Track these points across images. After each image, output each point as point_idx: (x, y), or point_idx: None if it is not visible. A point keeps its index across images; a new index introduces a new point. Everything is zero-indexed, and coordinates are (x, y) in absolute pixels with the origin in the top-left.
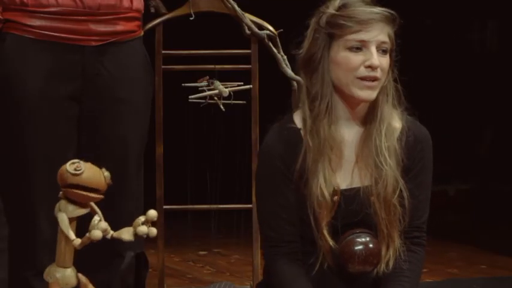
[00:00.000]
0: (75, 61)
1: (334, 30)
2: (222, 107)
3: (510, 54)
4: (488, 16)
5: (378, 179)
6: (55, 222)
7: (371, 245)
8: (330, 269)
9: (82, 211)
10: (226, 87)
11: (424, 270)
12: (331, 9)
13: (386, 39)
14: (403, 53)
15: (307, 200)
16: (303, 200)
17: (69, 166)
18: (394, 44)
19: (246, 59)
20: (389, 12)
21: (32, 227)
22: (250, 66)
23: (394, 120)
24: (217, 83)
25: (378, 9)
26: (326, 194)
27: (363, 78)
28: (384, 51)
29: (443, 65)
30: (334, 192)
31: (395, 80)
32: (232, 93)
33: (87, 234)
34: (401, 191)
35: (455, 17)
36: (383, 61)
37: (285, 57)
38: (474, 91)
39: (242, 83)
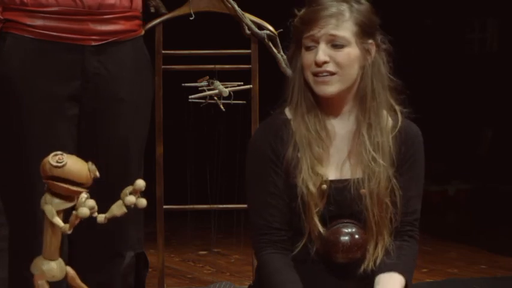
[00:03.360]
0: (75, 61)
1: (296, 33)
2: (222, 107)
3: (510, 54)
4: (488, 16)
5: (371, 175)
6: None
7: (356, 236)
8: (316, 259)
9: (68, 204)
10: (226, 87)
11: (424, 270)
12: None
13: (336, 32)
14: (404, 53)
15: (295, 188)
16: (292, 189)
17: (52, 158)
18: (361, 37)
19: (246, 59)
20: (344, 6)
21: (32, 227)
22: (250, 66)
23: (389, 119)
24: (217, 83)
25: (327, 5)
26: (311, 184)
27: (315, 74)
28: (337, 46)
29: (443, 65)
30: (322, 182)
31: (392, 81)
32: (232, 93)
33: (74, 212)
34: (393, 189)
35: (455, 17)
36: (336, 55)
37: (285, 57)
38: (474, 91)
39: (242, 83)
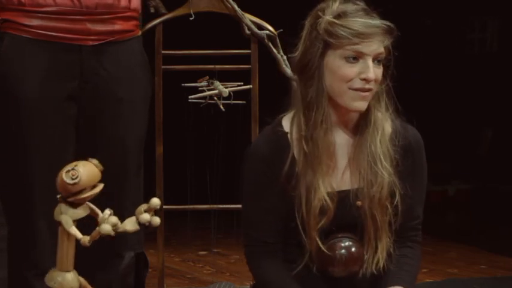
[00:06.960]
0: (73, 61)
1: (332, 39)
2: (222, 107)
3: (510, 54)
4: (489, 16)
5: (373, 182)
6: (54, 223)
7: (352, 249)
8: (318, 274)
9: (82, 213)
10: (226, 87)
11: (424, 270)
12: (329, 15)
13: (383, 50)
14: (404, 53)
15: (295, 204)
16: (290, 204)
17: (66, 176)
18: (390, 53)
19: (246, 59)
20: (388, 25)
21: (32, 227)
22: (250, 66)
23: (387, 124)
24: (217, 83)
25: (378, 22)
26: (327, 199)
27: (356, 90)
28: (379, 61)
29: (443, 65)
30: (331, 197)
31: (387, 85)
32: (232, 93)
33: (97, 229)
34: (395, 193)
35: (455, 17)
36: (378, 72)
37: (285, 57)
38: (474, 91)
39: (242, 83)
